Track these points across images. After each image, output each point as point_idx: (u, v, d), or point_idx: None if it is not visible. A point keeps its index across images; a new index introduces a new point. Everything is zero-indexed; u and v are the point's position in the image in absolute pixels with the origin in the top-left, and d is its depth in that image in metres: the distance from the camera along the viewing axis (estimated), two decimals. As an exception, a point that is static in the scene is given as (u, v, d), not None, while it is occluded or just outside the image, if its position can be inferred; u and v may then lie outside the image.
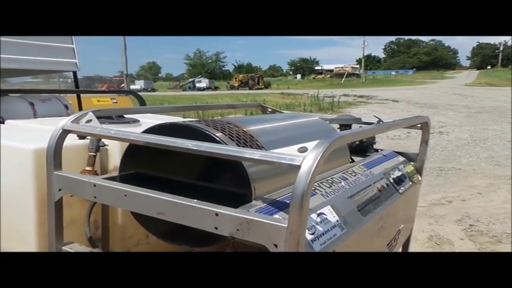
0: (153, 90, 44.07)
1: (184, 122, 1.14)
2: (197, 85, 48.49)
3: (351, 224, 1.03)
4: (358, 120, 1.70)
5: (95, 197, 1.04)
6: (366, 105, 18.21)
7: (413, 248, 3.06)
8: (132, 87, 37.33)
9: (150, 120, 1.80)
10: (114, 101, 7.19)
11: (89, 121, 1.17)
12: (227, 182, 0.98)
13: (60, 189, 1.08)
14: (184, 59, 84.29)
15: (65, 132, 1.11)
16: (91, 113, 1.19)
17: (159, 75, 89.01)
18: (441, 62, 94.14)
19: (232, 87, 46.63)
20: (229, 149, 0.88)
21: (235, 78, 51.66)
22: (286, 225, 0.76)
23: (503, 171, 5.80)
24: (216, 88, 47.96)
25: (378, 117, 1.68)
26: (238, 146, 1.03)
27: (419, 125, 1.65)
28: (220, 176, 1.00)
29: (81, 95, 3.73)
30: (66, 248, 1.10)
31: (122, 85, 31.46)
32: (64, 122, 1.12)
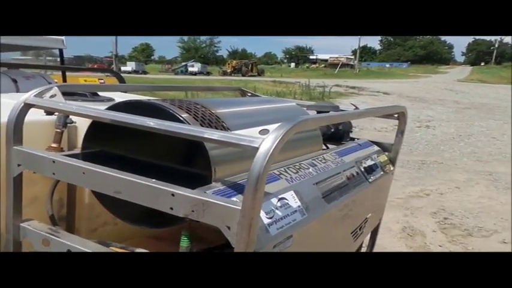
0: (144, 72, 43.21)
1: (149, 99, 1.11)
2: (189, 69, 47.67)
3: (313, 209, 1.02)
4: (336, 108, 1.69)
5: (53, 173, 1.01)
6: (356, 96, 18.28)
7: (386, 238, 3.12)
8: (122, 68, 36.50)
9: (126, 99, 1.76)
10: (102, 81, 7.12)
11: (53, 96, 1.14)
12: (188, 162, 0.97)
13: (19, 165, 1.05)
14: (178, 42, 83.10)
15: (27, 106, 1.07)
16: (56, 88, 1.15)
17: (152, 57, 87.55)
18: (436, 57, 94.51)
19: (224, 73, 46.01)
20: (189, 129, 0.86)
21: (229, 64, 50.84)
22: (240, 208, 0.75)
23: (484, 166, 5.91)
24: (208, 73, 47.31)
25: (354, 105, 1.68)
26: (202, 126, 1.01)
27: (396, 115, 1.65)
28: (182, 156, 0.99)
29: (69, 75, 3.66)
30: (25, 225, 1.07)
31: (113, 66, 30.91)
32: (26, 95, 1.08)
